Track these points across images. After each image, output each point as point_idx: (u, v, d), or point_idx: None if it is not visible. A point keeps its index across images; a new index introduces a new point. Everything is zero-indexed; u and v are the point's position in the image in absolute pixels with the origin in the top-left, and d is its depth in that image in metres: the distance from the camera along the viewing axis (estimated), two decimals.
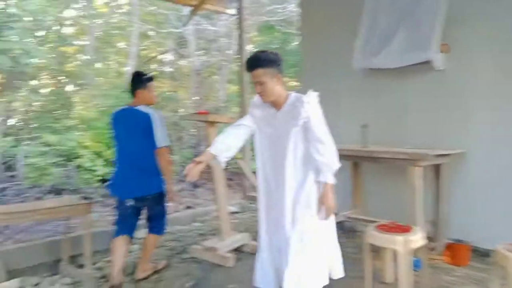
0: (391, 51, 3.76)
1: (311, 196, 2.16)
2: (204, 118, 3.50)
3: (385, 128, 4.02)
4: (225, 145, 2.22)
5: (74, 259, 3.51)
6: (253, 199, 5.60)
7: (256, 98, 2.29)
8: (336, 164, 2.11)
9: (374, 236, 2.54)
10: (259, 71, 2.10)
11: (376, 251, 2.73)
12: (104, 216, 5.75)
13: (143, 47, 10.57)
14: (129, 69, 8.69)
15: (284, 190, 2.16)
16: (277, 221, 2.21)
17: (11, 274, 3.23)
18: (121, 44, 10.42)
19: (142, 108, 3.05)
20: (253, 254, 3.64)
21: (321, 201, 2.12)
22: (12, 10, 7.23)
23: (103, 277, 3.25)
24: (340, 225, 4.20)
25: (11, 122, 7.97)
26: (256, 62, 2.12)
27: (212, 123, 3.51)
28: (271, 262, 2.29)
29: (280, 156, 2.16)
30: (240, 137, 2.29)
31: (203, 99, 9.83)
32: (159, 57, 10.60)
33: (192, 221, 4.85)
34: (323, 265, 2.19)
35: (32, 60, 7.38)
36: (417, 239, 2.46)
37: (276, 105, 2.20)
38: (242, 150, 5.75)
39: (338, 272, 2.31)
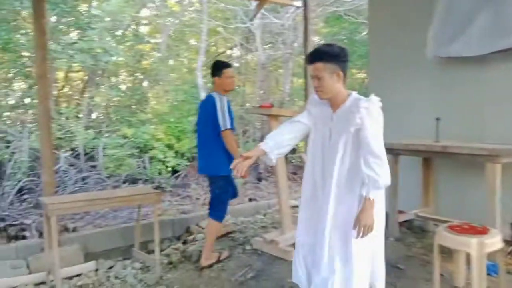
0: (470, 38, 3.47)
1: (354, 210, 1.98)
2: (267, 112, 3.51)
3: (460, 122, 3.72)
4: (276, 142, 2.11)
5: (144, 245, 3.74)
6: None
7: (315, 95, 2.15)
8: (385, 181, 1.90)
9: (445, 237, 2.38)
10: (319, 65, 1.95)
11: (448, 253, 2.56)
12: (174, 205, 6.05)
13: (212, 43, 10.86)
14: (198, 65, 8.98)
15: (329, 197, 2.01)
16: (317, 226, 2.08)
17: (89, 257, 3.52)
18: (192, 41, 10.81)
19: (214, 94, 3.32)
20: None
21: (359, 217, 1.92)
22: (94, 11, 7.81)
23: (170, 263, 3.42)
24: (408, 224, 4.02)
25: (93, 116, 8.64)
26: (317, 55, 1.99)
27: (275, 116, 3.51)
28: (305, 262, 2.19)
29: (330, 161, 2.02)
30: (294, 134, 2.16)
31: (268, 92, 9.87)
32: (227, 52, 10.82)
33: (255, 213, 4.92)
34: (365, 278, 2.01)
35: (112, 58, 7.92)
36: (494, 242, 2.26)
37: (333, 104, 2.05)
38: (306, 143, 5.70)
39: None
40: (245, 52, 10.37)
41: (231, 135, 3.25)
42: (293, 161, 8.41)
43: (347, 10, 9.57)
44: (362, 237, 1.91)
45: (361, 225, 1.90)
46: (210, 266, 3.32)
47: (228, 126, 3.21)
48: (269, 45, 10.15)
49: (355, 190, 1.97)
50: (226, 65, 3.49)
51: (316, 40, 10.10)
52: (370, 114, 1.89)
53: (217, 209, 3.39)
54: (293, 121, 2.21)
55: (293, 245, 3.50)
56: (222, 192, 3.37)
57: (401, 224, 3.89)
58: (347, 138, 1.96)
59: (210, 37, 10.16)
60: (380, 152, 1.88)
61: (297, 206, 5.16)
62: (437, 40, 3.76)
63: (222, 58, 10.35)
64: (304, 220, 2.20)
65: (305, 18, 5.68)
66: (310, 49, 5.65)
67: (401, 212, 3.89)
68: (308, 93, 5.66)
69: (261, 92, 9.92)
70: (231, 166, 2.07)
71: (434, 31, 3.78)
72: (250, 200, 5.97)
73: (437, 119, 3.55)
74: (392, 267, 3.15)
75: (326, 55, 1.97)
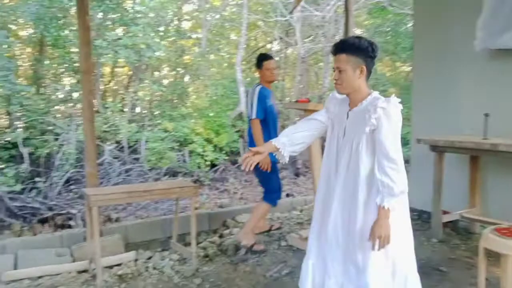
0: None
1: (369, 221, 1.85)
2: (304, 107, 3.44)
3: (509, 118, 3.48)
4: (290, 139, 2.02)
5: (182, 237, 3.81)
6: None
7: (335, 91, 2.05)
8: (400, 189, 1.76)
9: (492, 240, 2.24)
10: (342, 57, 1.84)
11: (495, 256, 2.40)
12: (212, 198, 6.13)
13: (252, 37, 10.86)
14: (238, 59, 9.01)
15: (335, 201, 1.92)
16: (329, 233, 1.98)
17: (129, 247, 3.64)
18: (232, 35, 10.86)
19: (255, 85, 3.56)
20: None
21: (373, 228, 1.79)
22: (138, 7, 8.02)
23: (206, 256, 3.46)
24: (453, 225, 3.83)
25: (137, 110, 8.92)
26: (342, 45, 1.88)
27: (311, 111, 3.43)
28: (315, 270, 2.07)
29: (344, 163, 1.91)
30: (309, 132, 2.06)
31: (308, 87, 9.75)
32: (267, 46, 10.78)
33: (291, 209, 4.87)
34: None
35: (155, 54, 8.12)
36: None
37: (351, 102, 1.93)
38: None
39: None
40: (284, 46, 10.29)
41: (257, 124, 3.41)
42: None
43: (391, 1, 9.23)
44: (378, 249, 1.79)
45: (376, 237, 1.77)
46: (247, 248, 3.44)
47: (254, 116, 3.40)
48: (309, 39, 9.99)
49: (371, 196, 1.84)
50: (266, 57, 3.62)
51: (358, 33, 9.84)
52: (388, 115, 1.76)
53: (267, 192, 3.56)
54: (309, 119, 2.11)
55: None
56: (269, 177, 3.49)
57: (445, 225, 3.72)
58: (360, 138, 1.84)
59: (250, 31, 10.17)
60: (396, 156, 1.75)
61: None
62: (487, 31, 3.53)
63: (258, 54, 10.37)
64: (316, 227, 2.09)
65: (347, 9, 5.51)
66: None
67: (445, 212, 3.72)
68: None
69: (301, 86, 9.81)
70: (240, 160, 2.04)
71: (484, 22, 3.55)
72: (288, 195, 5.93)
73: (486, 115, 3.34)
74: (433, 270, 3.04)
75: (352, 47, 1.85)
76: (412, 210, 4.68)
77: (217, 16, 10.16)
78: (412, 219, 4.43)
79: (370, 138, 1.82)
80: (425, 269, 3.07)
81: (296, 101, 3.64)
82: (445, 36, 4.06)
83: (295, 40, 9.53)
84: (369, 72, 1.90)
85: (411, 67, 8.05)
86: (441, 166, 3.55)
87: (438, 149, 3.53)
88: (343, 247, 1.94)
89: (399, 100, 1.81)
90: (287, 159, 2.05)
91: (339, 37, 8.95)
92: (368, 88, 1.92)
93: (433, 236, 3.63)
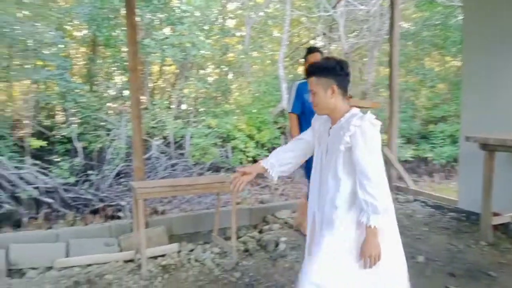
0: None
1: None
2: None
3: None
4: (277, 160, 2.05)
5: (223, 231, 3.90)
6: (399, 189, 5.25)
7: None
8: (382, 206, 1.75)
9: None
10: (313, 79, 1.87)
11: None
12: (253, 194, 6.19)
13: (295, 34, 10.80)
14: (280, 56, 9.01)
15: (321, 218, 1.92)
16: (310, 247, 2.00)
17: (173, 239, 3.77)
18: (275, 32, 10.87)
19: (299, 80, 3.71)
20: None
21: (362, 248, 1.79)
22: (184, 7, 8.22)
23: (246, 250, 3.51)
24: (504, 228, 3.64)
25: (182, 107, 9.19)
26: (311, 69, 1.89)
27: (353, 108, 3.39)
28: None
29: (326, 179, 1.91)
30: (298, 152, 2.08)
31: (351, 83, 9.55)
32: (310, 42, 10.69)
33: None
34: None
35: (200, 52, 8.32)
36: None
37: (332, 120, 1.92)
38: (388, 136, 5.43)
39: None
40: (328, 42, 10.15)
41: (294, 119, 3.56)
42: None
43: None
44: (370, 267, 1.79)
45: (366, 256, 1.78)
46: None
47: (289, 110, 3.59)
48: (353, 34, 9.79)
49: (351, 214, 1.83)
50: (311, 50, 3.65)
51: (405, 27, 9.52)
52: (362, 132, 1.75)
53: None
54: (297, 139, 2.14)
55: None
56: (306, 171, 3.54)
57: (495, 227, 3.54)
58: (338, 156, 1.83)
59: (292, 28, 10.12)
60: (375, 174, 1.74)
61: None
62: None
63: (304, 49, 10.30)
64: (308, 238, 2.09)
65: (392, 3, 5.36)
66: (398, 35, 5.35)
67: (496, 214, 3.54)
68: (394, 84, 5.37)
69: None
70: (229, 181, 2.06)
71: None
72: None
73: None
74: (482, 274, 2.92)
75: (319, 69, 1.86)
76: (459, 211, 4.52)
77: (261, 13, 10.20)
78: (460, 220, 4.28)
79: (348, 157, 1.81)
80: (473, 273, 2.96)
81: None
82: (497, 29, 3.86)
83: (339, 36, 9.38)
84: (343, 90, 1.87)
85: (461, 62, 7.70)
86: (491, 165, 3.38)
87: (489, 148, 3.37)
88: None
89: (374, 116, 1.80)
90: (275, 179, 2.08)
91: (385, 31, 8.71)
92: (346, 105, 1.89)
93: (482, 239, 3.48)
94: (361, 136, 1.75)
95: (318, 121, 2.04)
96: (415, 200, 4.99)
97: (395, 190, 5.27)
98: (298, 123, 3.58)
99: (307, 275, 1.85)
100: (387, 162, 5.25)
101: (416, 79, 9.57)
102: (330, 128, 1.93)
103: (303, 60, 3.65)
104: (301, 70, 10.97)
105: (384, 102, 6.92)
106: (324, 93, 1.85)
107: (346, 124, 1.80)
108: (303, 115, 3.50)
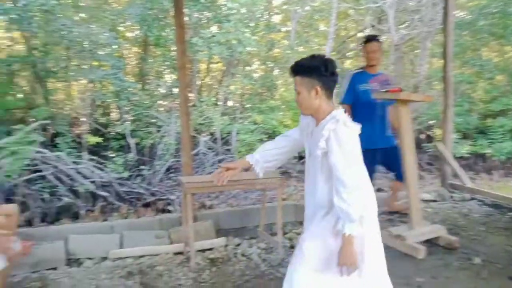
0: None
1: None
2: (395, 96, 3.27)
3: None
4: (262, 156, 2.04)
5: (269, 227, 3.92)
6: (454, 187, 4.99)
7: None
8: (356, 214, 1.70)
9: None
10: (297, 79, 1.82)
11: None
12: (299, 190, 6.15)
13: (342, 27, 10.57)
14: (327, 50, 8.86)
15: (306, 222, 1.97)
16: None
17: (220, 233, 3.84)
18: (321, 26, 10.70)
19: (355, 69, 3.71)
20: (448, 248, 3.30)
21: (338, 256, 1.75)
22: (230, 4, 8.31)
23: (292, 247, 3.50)
24: None
25: (229, 103, 9.31)
26: (295, 68, 1.83)
27: (404, 101, 3.26)
28: None
29: (309, 182, 1.89)
30: (283, 149, 2.06)
31: (403, 75, 9.20)
32: (358, 35, 10.42)
33: (381, 204, 4.67)
34: None
35: (246, 48, 8.37)
36: None
37: (316, 120, 1.86)
38: (442, 131, 5.18)
39: None
40: (377, 34, 9.82)
41: (345, 109, 3.53)
42: (429, 150, 7.75)
43: None
44: (348, 275, 1.74)
45: (341, 264, 1.73)
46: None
47: (340, 101, 3.57)
48: (404, 25, 9.40)
49: (328, 219, 1.81)
50: (368, 39, 3.55)
51: (460, 16, 9.02)
52: (337, 137, 1.70)
53: None
54: (284, 135, 2.11)
55: (424, 242, 3.28)
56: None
57: None
58: (316, 161, 1.79)
59: (339, 21, 9.91)
60: (350, 180, 1.69)
61: (431, 201, 4.80)
62: None
63: (352, 42, 10.04)
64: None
65: None
66: (452, 25, 5.08)
67: None
68: (448, 76, 5.11)
69: (394, 75, 9.31)
70: (211, 177, 2.09)
71: None
72: (378, 190, 5.71)
73: None
74: None
75: (303, 68, 1.80)
76: None
77: (307, 8, 10.08)
78: None
79: (326, 161, 1.75)
80: None
81: (387, 91, 3.44)
82: None
83: (388, 27, 9.05)
84: (328, 91, 1.80)
85: None
86: None
87: None
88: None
89: (350, 118, 1.74)
90: (261, 175, 2.07)
91: (438, 21, 8.29)
92: (331, 106, 1.82)
93: None
94: (335, 140, 1.70)
95: (305, 120, 2.00)
96: (472, 198, 4.74)
97: (450, 187, 5.03)
98: (351, 114, 3.43)
99: (291, 282, 1.85)
100: (441, 159, 5.02)
101: (473, 71, 9.02)
102: (313, 130, 1.89)
103: (361, 48, 3.60)
104: (348, 63, 10.74)
105: (438, 95, 6.58)
106: (308, 93, 1.81)
107: (322, 128, 1.78)
108: (358, 105, 3.41)
